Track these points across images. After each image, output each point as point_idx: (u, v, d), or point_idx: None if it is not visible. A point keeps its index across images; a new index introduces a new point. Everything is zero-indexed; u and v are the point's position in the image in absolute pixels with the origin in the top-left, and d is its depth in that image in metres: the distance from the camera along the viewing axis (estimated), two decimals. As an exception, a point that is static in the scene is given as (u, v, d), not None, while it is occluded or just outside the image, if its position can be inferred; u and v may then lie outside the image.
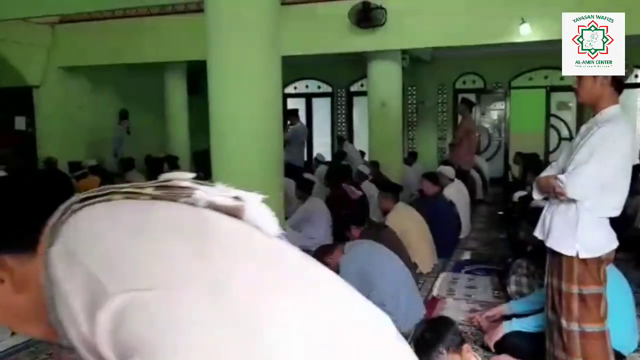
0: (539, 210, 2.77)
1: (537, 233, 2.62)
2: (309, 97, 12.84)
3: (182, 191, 0.86)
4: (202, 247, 0.74)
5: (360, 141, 11.44)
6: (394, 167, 8.43)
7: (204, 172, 8.66)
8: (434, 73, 11.45)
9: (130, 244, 0.72)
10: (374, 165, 8.21)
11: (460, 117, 8.49)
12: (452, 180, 6.38)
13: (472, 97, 10.27)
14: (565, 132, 11.39)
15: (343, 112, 12.63)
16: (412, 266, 4.21)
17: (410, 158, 10.23)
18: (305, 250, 3.73)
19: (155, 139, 10.61)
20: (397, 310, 3.29)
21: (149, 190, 0.84)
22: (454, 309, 3.92)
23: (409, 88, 11.72)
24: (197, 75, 11.00)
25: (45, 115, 9.03)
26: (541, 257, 2.76)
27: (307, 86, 12.82)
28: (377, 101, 8.56)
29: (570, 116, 11.31)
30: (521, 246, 4.09)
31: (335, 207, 5.91)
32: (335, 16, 7.36)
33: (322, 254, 3.64)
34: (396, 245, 3.99)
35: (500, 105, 11.73)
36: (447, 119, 11.91)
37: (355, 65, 10.37)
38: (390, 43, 7.47)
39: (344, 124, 12.67)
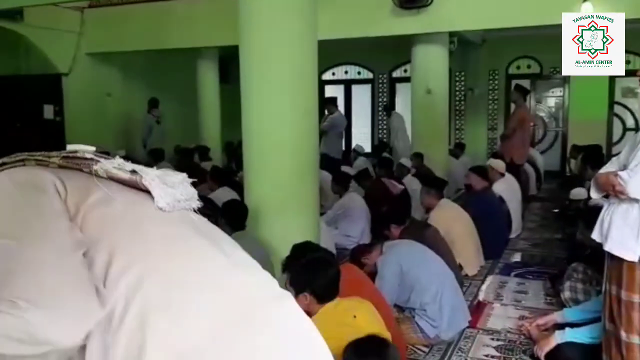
0: (597, 209, 2.70)
1: (595, 235, 2.56)
2: (348, 84, 12.81)
3: (85, 162, 1.05)
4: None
5: (403, 131, 11.34)
6: (439, 159, 8.34)
7: (235, 163, 8.88)
8: (485, 57, 11.23)
9: (16, 198, 0.95)
10: (417, 157, 8.14)
11: (513, 106, 8.30)
12: (502, 174, 6.26)
13: (526, 83, 10.02)
14: (630, 122, 11.00)
15: (385, 99, 12.55)
16: (456, 268, 4.17)
17: (457, 150, 10.09)
18: (342, 249, 3.76)
19: (185, 129, 10.81)
20: (439, 315, 3.27)
21: (56, 160, 1.04)
22: (502, 316, 3.87)
23: (457, 74, 11.54)
24: (229, 62, 11.14)
25: (74, 103, 9.31)
26: (600, 261, 2.69)
27: (346, 72, 12.79)
28: (421, 88, 8.47)
29: (636, 104, 10.90)
30: (578, 248, 3.99)
31: (374, 203, 5.90)
32: (377, -3, 7.30)
33: (359, 254, 3.66)
34: (439, 245, 3.96)
35: (558, 92, 11.41)
36: (498, 108, 11.67)
37: (398, 49, 10.27)
38: (437, 25, 7.35)
39: (385, 113, 12.59)
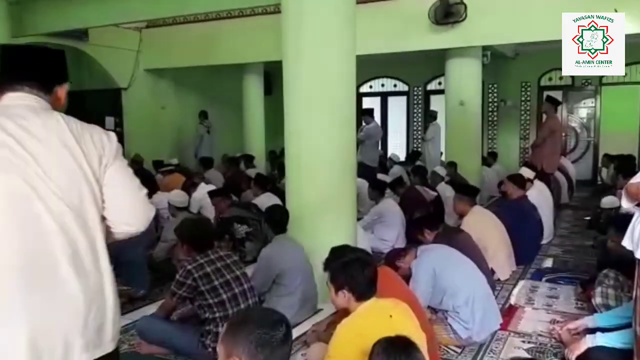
0: (628, 217, 2.61)
1: (626, 242, 2.48)
2: (384, 96, 12.78)
3: None
4: None
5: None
6: (472, 168, 8.24)
7: (278, 170, 8.97)
8: (517, 70, 11.02)
9: None
10: (451, 165, 8.06)
11: (544, 117, 8.11)
12: (530, 181, 6.12)
13: (558, 94, 9.78)
14: (662, 133, 10.57)
15: (419, 111, 12.46)
16: (488, 272, 4.10)
17: (490, 159, 9.93)
18: (377, 252, 3.77)
19: (232, 139, 10.99)
20: (471, 318, 3.23)
21: None
22: (533, 320, 3.77)
23: (490, 86, 11.35)
24: (272, 76, 11.29)
25: (132, 115, 9.62)
26: (630, 268, 2.60)
27: (382, 85, 12.76)
28: (455, 100, 8.38)
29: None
30: (609, 255, 3.86)
31: (408, 209, 5.87)
32: (412, 13, 7.28)
33: (394, 257, 3.64)
34: (472, 250, 3.90)
35: (589, 102, 11.08)
36: (530, 118, 11.42)
37: (433, 62, 10.19)
38: (471, 39, 7.27)
39: (420, 123, 12.49)
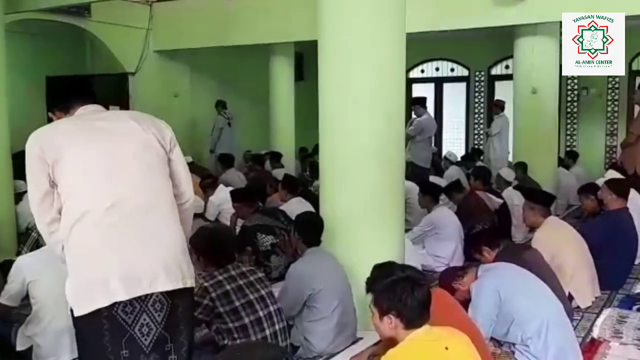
0: None
1: None
2: (439, 82, 12.70)
3: None
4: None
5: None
6: (546, 170, 8.14)
7: (310, 171, 9.03)
8: (603, 50, 10.78)
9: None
10: (519, 167, 7.98)
11: (637, 108, 7.92)
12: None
13: (655, 81, 9.53)
14: None
15: (482, 100, 12.34)
16: (565, 298, 4.03)
17: (568, 159, 9.78)
18: (429, 271, 3.75)
19: (256, 133, 11.11)
20: (543, 352, 3.19)
21: None
22: (621, 357, 3.69)
23: (569, 70, 11.14)
24: (305, 59, 11.36)
25: (140, 104, 9.80)
26: None
27: (437, 69, 12.70)
28: (526, 87, 8.28)
29: None
30: None
31: (468, 219, 5.82)
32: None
33: (450, 278, 3.63)
34: (544, 271, 3.85)
35: (695, 91, 10.74)
36: (619, 110, 11.17)
37: (499, 42, 10.08)
38: (546, 14, 7.16)
39: (482, 115, 12.37)
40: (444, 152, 11.15)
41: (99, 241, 2.20)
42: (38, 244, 4.53)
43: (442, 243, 5.69)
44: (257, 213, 5.49)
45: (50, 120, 2.55)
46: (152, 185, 2.35)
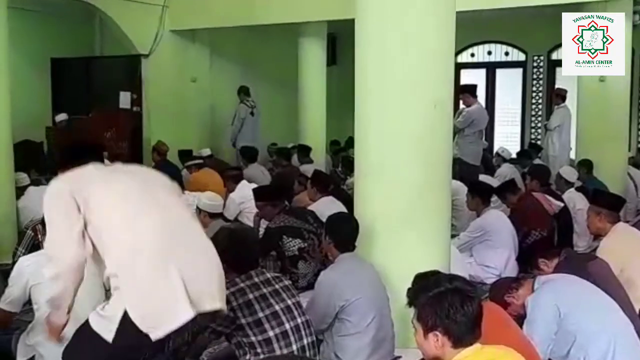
0: None
1: None
2: (491, 68, 12.60)
3: None
4: None
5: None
6: (615, 169, 8.07)
7: (343, 167, 9.03)
8: (684, 31, 10.56)
9: None
10: (583, 166, 7.89)
11: None
12: None
13: None
14: None
15: (541, 88, 12.20)
16: (635, 316, 3.96)
17: (640, 157, 9.61)
18: (479, 282, 3.71)
19: (283, 123, 11.16)
20: (611, 376, 3.14)
21: None
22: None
23: (643, 55, 10.96)
24: (339, 41, 11.36)
25: (154, 90, 9.94)
26: None
27: (489, 52, 12.61)
28: (592, 74, 8.15)
29: None
30: None
31: (523, 224, 5.78)
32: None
33: (502, 290, 3.61)
34: (611, 285, 3.80)
35: None
36: None
37: (560, 22, 9.92)
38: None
39: (541, 106, 12.22)
40: (496, 148, 11.08)
41: (159, 262, 2.51)
42: (34, 243, 4.62)
43: (493, 251, 5.66)
44: (282, 214, 5.51)
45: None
46: (179, 204, 2.78)
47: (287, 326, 3.09)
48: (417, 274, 2.60)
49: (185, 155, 8.96)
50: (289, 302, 3.17)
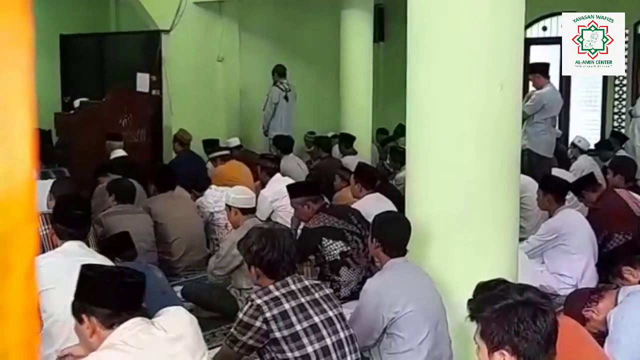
0: None
1: None
2: (566, 44, 12.43)
3: None
4: None
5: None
6: None
7: (392, 159, 9.01)
8: None
9: None
10: (676, 158, 7.73)
11: None
12: None
13: None
14: None
15: (625, 67, 11.95)
16: None
17: None
18: (551, 294, 3.72)
19: (322, 109, 11.17)
20: None
21: None
22: None
23: None
24: (388, 14, 11.32)
25: (176, 71, 10.04)
26: None
27: (563, 26, 12.42)
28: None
29: None
30: None
31: (604, 226, 5.73)
32: None
33: (580, 303, 3.58)
34: None
35: None
36: None
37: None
38: None
39: (624, 88, 12.02)
40: (571, 138, 10.94)
41: None
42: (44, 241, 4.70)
43: (569, 257, 5.64)
44: (322, 213, 5.53)
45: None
46: None
47: (329, 341, 3.10)
48: (479, 283, 2.57)
49: (210, 145, 9.02)
50: (331, 313, 3.18)
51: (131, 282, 2.67)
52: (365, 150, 9.96)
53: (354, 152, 9.37)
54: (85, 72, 10.51)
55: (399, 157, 8.09)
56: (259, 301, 3.08)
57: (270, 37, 11.09)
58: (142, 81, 9.92)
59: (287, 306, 3.09)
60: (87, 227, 4.13)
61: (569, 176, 7.46)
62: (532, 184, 6.41)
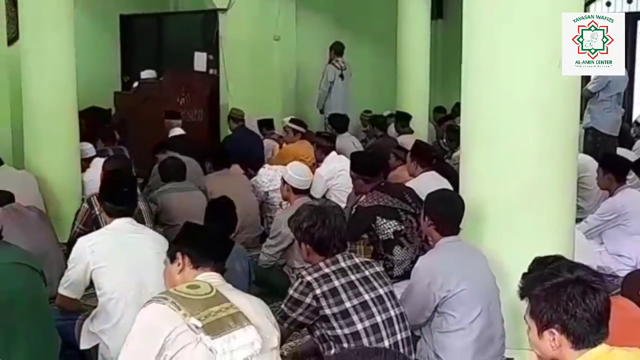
0: None
1: None
2: (633, 19, 12.13)
3: None
4: None
5: None
6: None
7: (449, 138, 8.93)
8: None
9: None
10: None
11: None
12: None
13: None
14: None
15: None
16: None
17: None
18: (609, 275, 3.66)
19: (377, 88, 11.12)
20: None
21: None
22: None
23: None
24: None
25: (233, 48, 10.09)
26: None
27: (629, 0, 12.13)
28: None
29: None
30: None
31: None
32: None
33: (638, 285, 3.49)
34: None
35: None
36: None
37: None
38: None
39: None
40: (635, 116, 10.71)
41: None
42: (93, 217, 4.77)
43: (629, 238, 5.58)
44: (376, 191, 5.50)
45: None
46: None
47: (379, 319, 3.11)
48: (536, 258, 2.55)
49: (265, 125, 9.11)
50: (381, 291, 3.18)
51: (224, 239, 3.33)
52: (422, 129, 9.90)
53: (410, 131, 9.30)
54: (144, 51, 10.66)
55: (456, 136, 8.01)
56: (309, 278, 3.10)
57: (327, 15, 11.08)
58: (200, 60, 10.02)
59: (336, 283, 3.10)
60: (134, 203, 4.14)
61: (630, 155, 7.34)
62: (592, 164, 6.32)
